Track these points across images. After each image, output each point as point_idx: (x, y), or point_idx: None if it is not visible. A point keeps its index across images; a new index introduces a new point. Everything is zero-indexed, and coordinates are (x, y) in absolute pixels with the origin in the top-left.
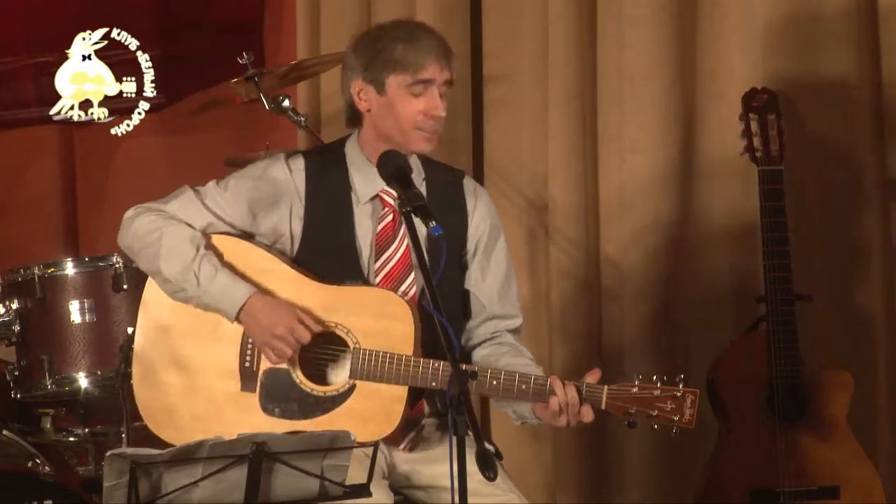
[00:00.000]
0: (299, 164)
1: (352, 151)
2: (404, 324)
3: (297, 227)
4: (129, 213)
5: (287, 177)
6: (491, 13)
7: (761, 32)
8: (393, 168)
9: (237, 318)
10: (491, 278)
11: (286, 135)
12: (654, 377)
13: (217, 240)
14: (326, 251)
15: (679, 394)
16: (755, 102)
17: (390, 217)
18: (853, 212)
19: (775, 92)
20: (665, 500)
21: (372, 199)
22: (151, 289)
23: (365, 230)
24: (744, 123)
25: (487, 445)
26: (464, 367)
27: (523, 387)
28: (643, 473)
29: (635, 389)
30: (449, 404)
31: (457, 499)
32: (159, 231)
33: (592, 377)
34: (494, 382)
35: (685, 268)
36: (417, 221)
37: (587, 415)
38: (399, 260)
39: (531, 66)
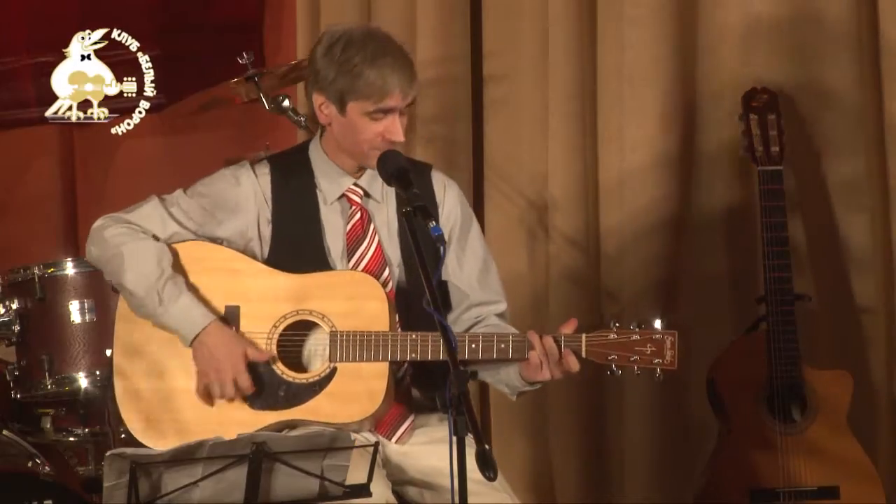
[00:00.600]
0: (264, 168)
1: (315, 154)
2: (377, 301)
3: (266, 231)
4: (97, 223)
5: (253, 182)
6: (491, 13)
7: (761, 33)
8: (393, 168)
9: (191, 343)
10: (468, 266)
11: (286, 135)
12: (632, 324)
13: (187, 244)
14: (296, 252)
15: (658, 336)
16: (755, 102)
17: (358, 215)
18: (853, 212)
19: (775, 92)
20: (665, 500)
21: (339, 198)
22: (124, 303)
23: (335, 229)
24: (744, 123)
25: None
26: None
27: (502, 345)
28: (643, 473)
29: (613, 336)
30: (449, 404)
31: (457, 499)
32: (125, 245)
33: (569, 327)
34: (473, 346)
35: (685, 267)
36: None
37: (572, 364)
38: (372, 256)
39: (531, 66)
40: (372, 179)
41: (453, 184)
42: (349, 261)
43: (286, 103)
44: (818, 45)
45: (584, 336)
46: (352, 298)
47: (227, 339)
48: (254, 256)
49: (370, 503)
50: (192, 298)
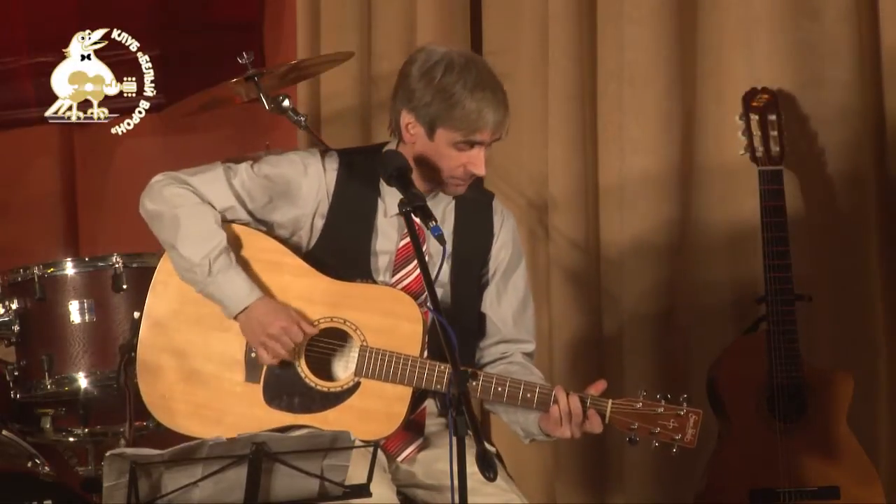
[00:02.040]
0: (334, 163)
1: None
2: (413, 323)
3: (319, 224)
4: (158, 177)
5: (320, 174)
6: (491, 13)
7: (761, 33)
8: (393, 168)
9: (235, 317)
10: (507, 303)
11: (286, 135)
12: (658, 395)
13: (231, 228)
14: (341, 253)
15: (682, 412)
16: (755, 102)
17: None
18: (853, 212)
19: (775, 92)
20: (665, 500)
21: (398, 214)
22: (161, 274)
23: (387, 242)
24: (744, 123)
25: (488, 446)
26: (469, 371)
27: (528, 395)
28: (643, 473)
29: (639, 405)
30: (449, 404)
31: (457, 499)
32: (183, 208)
33: (596, 389)
34: (499, 389)
35: (685, 268)
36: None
37: (596, 426)
38: (416, 277)
39: (531, 66)
40: (436, 203)
41: (511, 217)
42: (393, 276)
43: (286, 103)
44: (818, 44)
45: (609, 402)
46: (388, 315)
47: (271, 307)
48: (298, 246)
49: None
50: (242, 273)
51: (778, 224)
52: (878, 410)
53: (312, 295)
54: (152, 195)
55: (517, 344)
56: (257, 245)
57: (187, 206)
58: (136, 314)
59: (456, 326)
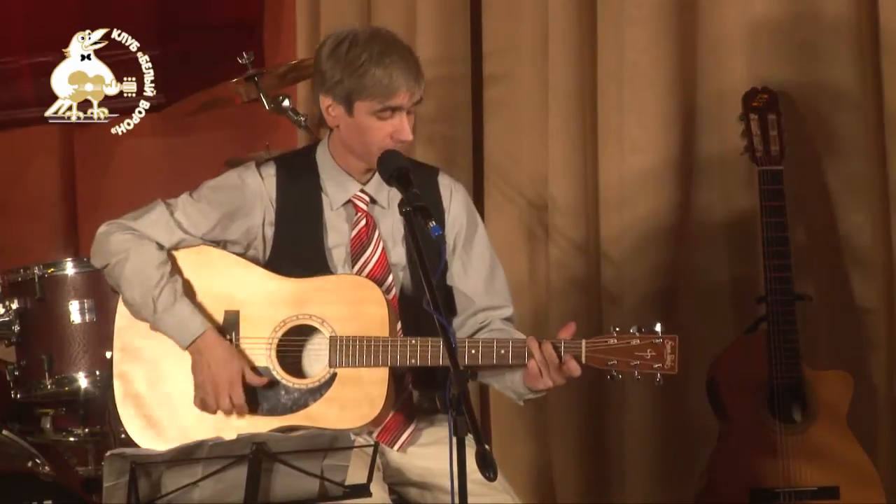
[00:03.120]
0: (270, 170)
1: (322, 157)
2: (377, 306)
3: (269, 232)
4: (102, 229)
5: (259, 184)
6: (491, 13)
7: (761, 32)
8: (393, 168)
9: (187, 348)
10: (474, 272)
11: (286, 135)
12: (632, 328)
13: (187, 250)
14: (297, 255)
15: (658, 341)
16: (755, 102)
17: (364, 222)
18: (853, 212)
19: (775, 92)
20: (665, 500)
21: (345, 204)
22: (123, 308)
23: (339, 235)
24: (744, 123)
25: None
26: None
27: (502, 351)
28: (643, 473)
29: (613, 340)
30: (449, 405)
31: (457, 499)
32: (126, 252)
33: (567, 332)
34: (473, 351)
35: (685, 268)
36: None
37: (574, 369)
38: (376, 263)
39: (531, 66)
40: (379, 186)
41: (460, 187)
42: (353, 267)
43: (286, 103)
44: (818, 45)
45: (583, 342)
46: (352, 303)
47: (225, 354)
48: (255, 259)
49: None
50: (188, 305)
51: (778, 224)
52: (878, 410)
53: (275, 297)
54: (97, 248)
55: (494, 311)
56: (213, 261)
57: (129, 250)
58: (108, 354)
59: (421, 309)
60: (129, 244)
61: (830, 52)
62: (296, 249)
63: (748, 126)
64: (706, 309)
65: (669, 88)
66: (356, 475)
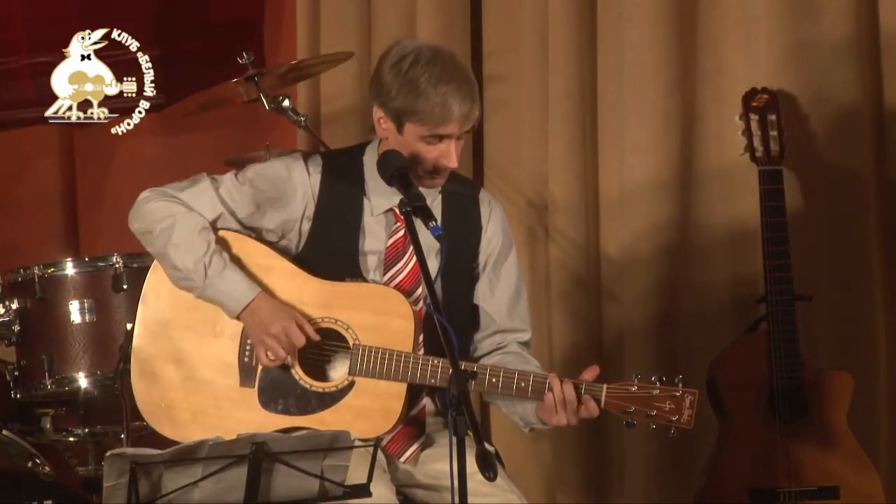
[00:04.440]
0: (317, 166)
1: (370, 161)
2: (403, 320)
3: (306, 227)
4: (145, 194)
5: (304, 177)
6: (491, 13)
7: (761, 32)
8: (393, 168)
9: (238, 316)
10: (500, 293)
11: (286, 135)
12: (653, 377)
13: (220, 234)
14: (330, 255)
15: (678, 394)
16: (755, 102)
17: (402, 232)
18: (853, 212)
19: (775, 92)
20: (665, 500)
21: (385, 212)
22: (152, 283)
23: (375, 241)
24: (744, 123)
25: (488, 446)
26: (463, 365)
27: (522, 384)
28: (643, 473)
29: (634, 388)
30: (449, 404)
31: (457, 499)
32: (172, 218)
33: (590, 374)
34: (493, 380)
35: (685, 268)
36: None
37: (592, 409)
38: (408, 274)
39: (531, 66)
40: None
41: (499, 206)
42: (384, 275)
43: (286, 103)
44: (818, 45)
45: (605, 387)
46: (379, 313)
47: (273, 305)
48: (287, 249)
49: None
50: (238, 271)
51: (778, 224)
52: (878, 410)
53: (303, 296)
54: (139, 213)
55: (512, 334)
56: (246, 249)
57: (175, 217)
58: (129, 325)
59: (449, 321)
60: (174, 211)
61: (830, 52)
62: (329, 248)
63: (748, 126)
64: (706, 309)
65: (669, 88)
66: (356, 475)
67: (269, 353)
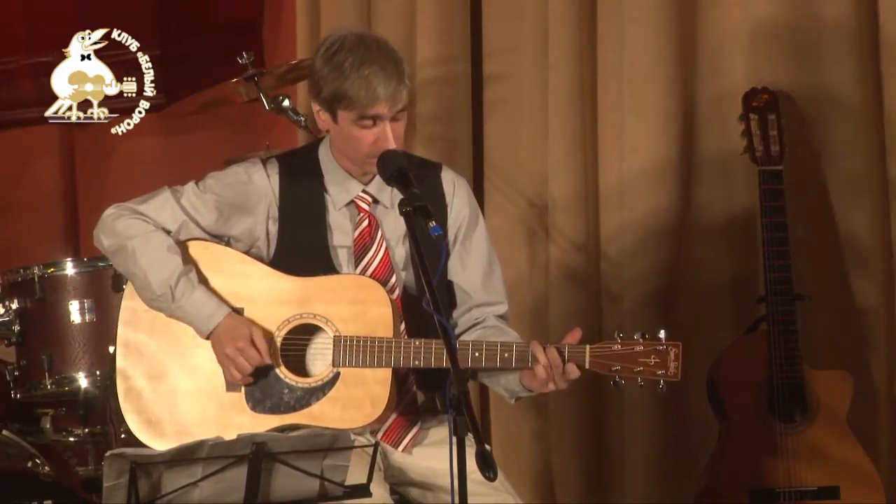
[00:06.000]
0: (274, 167)
1: (325, 157)
2: (381, 306)
3: (273, 230)
4: (108, 212)
5: (264, 180)
6: (491, 13)
7: (761, 33)
8: (393, 168)
9: (208, 337)
10: (472, 267)
11: (286, 135)
12: (636, 335)
13: (192, 245)
14: (301, 254)
15: (662, 347)
16: (755, 102)
17: (366, 222)
18: (853, 212)
19: (775, 92)
20: (665, 500)
21: (347, 204)
22: (127, 300)
23: (343, 235)
24: (744, 123)
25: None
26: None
27: (505, 354)
28: (643, 473)
29: (618, 346)
30: (449, 405)
31: (457, 499)
32: (136, 238)
33: (573, 337)
34: (476, 354)
35: (685, 268)
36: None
37: (573, 372)
38: (379, 263)
39: (531, 66)
40: (380, 186)
41: (463, 182)
42: (356, 267)
43: (286, 103)
44: (818, 45)
45: (587, 347)
46: (356, 303)
47: (233, 325)
48: (259, 256)
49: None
50: (206, 292)
51: (778, 224)
52: (878, 410)
53: (279, 296)
54: (105, 230)
55: (489, 307)
56: (218, 258)
57: (140, 236)
58: (112, 348)
59: (423, 308)
60: (137, 229)
61: (830, 53)
62: (300, 248)
63: (748, 126)
64: (706, 309)
65: (669, 88)
66: (356, 475)
67: (227, 374)
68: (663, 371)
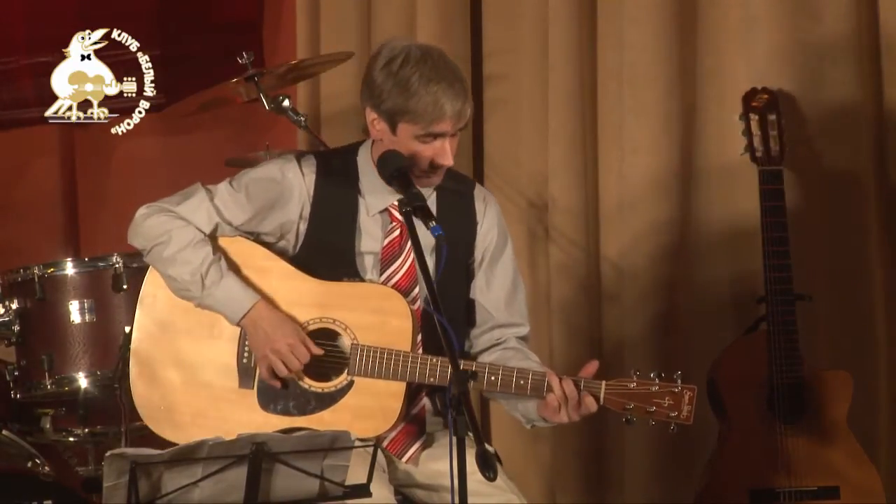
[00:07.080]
0: (311, 166)
1: (363, 162)
2: (402, 319)
3: (303, 228)
4: (142, 211)
5: (298, 179)
6: (491, 13)
7: (761, 32)
8: (393, 168)
9: (239, 323)
10: (497, 287)
11: (286, 135)
12: (652, 374)
13: (216, 239)
14: (326, 255)
15: (677, 390)
16: (755, 102)
17: (397, 232)
18: (853, 212)
19: (775, 92)
20: (665, 500)
21: (381, 211)
22: (149, 286)
23: (371, 241)
24: (744, 123)
25: (487, 447)
26: (462, 365)
27: (521, 382)
28: (643, 473)
29: (633, 385)
30: (449, 404)
31: (457, 499)
32: (168, 234)
33: (589, 371)
34: (493, 378)
35: (685, 268)
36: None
37: (591, 405)
38: (404, 274)
39: (531, 66)
40: None
41: (493, 200)
42: (381, 275)
43: (286, 103)
44: (818, 45)
45: (603, 383)
46: (377, 312)
47: (278, 318)
48: (284, 249)
49: None
50: (236, 279)
51: (778, 224)
52: (878, 410)
53: (301, 297)
54: (137, 230)
55: (511, 328)
56: (243, 252)
57: (171, 231)
58: (127, 328)
59: (446, 318)
60: (169, 226)
61: (831, 53)
62: (326, 249)
63: (748, 126)
64: (706, 309)
65: (669, 88)
66: (356, 475)
67: (274, 369)
68: (676, 413)
